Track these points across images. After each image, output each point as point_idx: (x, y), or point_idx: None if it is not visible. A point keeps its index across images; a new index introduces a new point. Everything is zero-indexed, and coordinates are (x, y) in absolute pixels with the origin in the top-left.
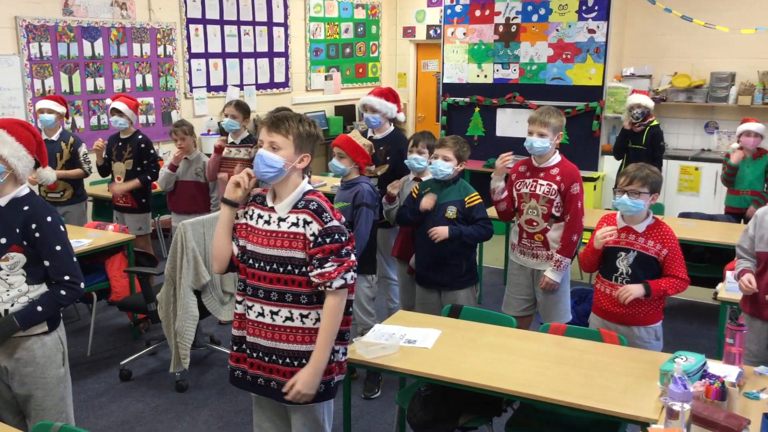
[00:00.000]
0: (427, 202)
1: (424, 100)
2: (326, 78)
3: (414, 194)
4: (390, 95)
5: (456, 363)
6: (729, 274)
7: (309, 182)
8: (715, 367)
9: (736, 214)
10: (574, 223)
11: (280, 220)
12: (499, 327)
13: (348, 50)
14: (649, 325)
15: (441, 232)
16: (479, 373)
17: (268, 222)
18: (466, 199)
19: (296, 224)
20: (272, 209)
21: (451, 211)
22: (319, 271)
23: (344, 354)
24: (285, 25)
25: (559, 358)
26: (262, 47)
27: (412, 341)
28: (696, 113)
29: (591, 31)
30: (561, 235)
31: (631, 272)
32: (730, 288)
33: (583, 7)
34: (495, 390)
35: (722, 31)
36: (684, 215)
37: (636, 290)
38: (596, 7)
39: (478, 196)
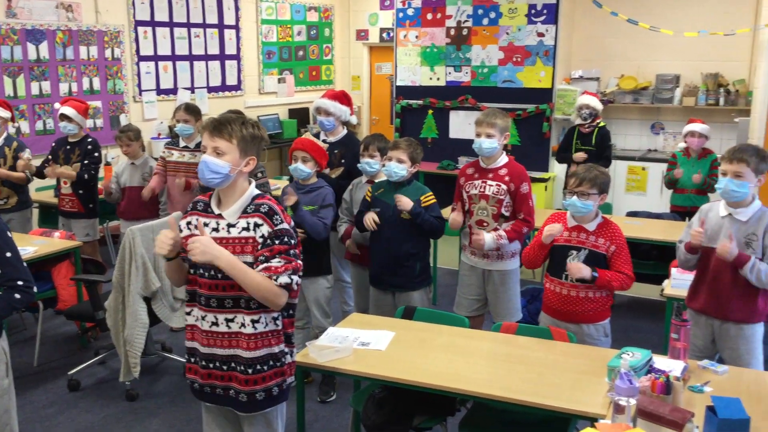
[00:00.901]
0: (371, 221)
1: (378, 102)
2: (279, 81)
3: (367, 198)
4: (343, 98)
5: (409, 364)
6: (674, 271)
7: (268, 185)
8: (661, 362)
9: (681, 212)
10: (527, 219)
11: (230, 226)
12: (452, 327)
13: (301, 53)
14: (597, 323)
15: (405, 201)
16: (432, 374)
17: (216, 229)
18: (421, 198)
19: (247, 228)
20: (219, 216)
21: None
22: (265, 265)
23: (292, 356)
24: (236, 27)
25: (511, 357)
26: (214, 50)
27: (365, 343)
28: (642, 114)
29: (540, 34)
30: (513, 223)
31: None
32: (676, 284)
33: (533, 11)
34: (448, 390)
35: (666, 34)
36: (631, 214)
37: (585, 270)
38: (545, 11)
39: (433, 196)
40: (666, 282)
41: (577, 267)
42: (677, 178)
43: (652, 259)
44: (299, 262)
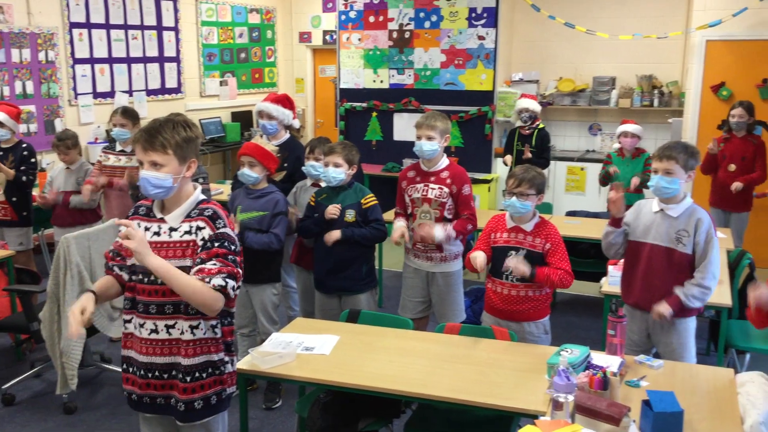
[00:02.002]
0: (333, 210)
1: (322, 105)
2: (221, 83)
3: (311, 203)
4: (286, 101)
5: (354, 368)
6: (611, 269)
7: (209, 189)
8: (599, 357)
9: None
10: (471, 217)
11: (172, 230)
12: (396, 330)
13: (243, 55)
14: (537, 320)
15: (333, 235)
16: (377, 377)
17: (158, 233)
18: (362, 200)
19: (189, 232)
20: (161, 220)
21: (350, 215)
22: (199, 266)
23: (233, 365)
24: (176, 29)
25: (454, 357)
26: (152, 52)
27: (309, 348)
28: (580, 116)
29: (481, 37)
30: (458, 220)
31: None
32: (613, 282)
33: (473, 15)
34: (393, 392)
35: (602, 37)
36: (570, 214)
37: (526, 267)
38: (485, 15)
39: (374, 198)
40: (604, 279)
41: (516, 264)
42: (611, 174)
43: (591, 257)
44: (238, 269)
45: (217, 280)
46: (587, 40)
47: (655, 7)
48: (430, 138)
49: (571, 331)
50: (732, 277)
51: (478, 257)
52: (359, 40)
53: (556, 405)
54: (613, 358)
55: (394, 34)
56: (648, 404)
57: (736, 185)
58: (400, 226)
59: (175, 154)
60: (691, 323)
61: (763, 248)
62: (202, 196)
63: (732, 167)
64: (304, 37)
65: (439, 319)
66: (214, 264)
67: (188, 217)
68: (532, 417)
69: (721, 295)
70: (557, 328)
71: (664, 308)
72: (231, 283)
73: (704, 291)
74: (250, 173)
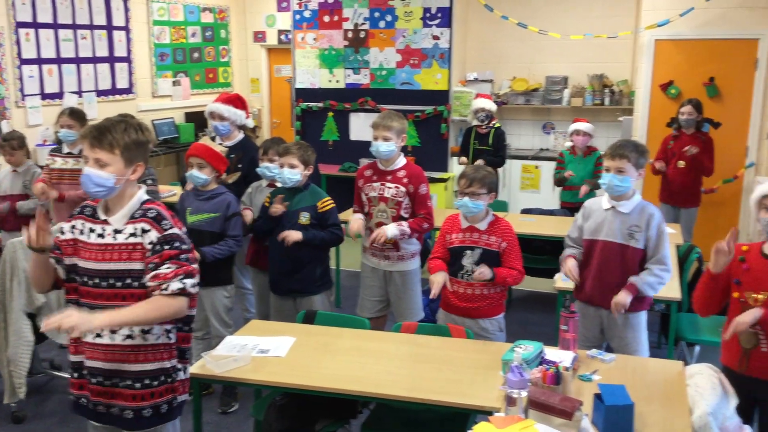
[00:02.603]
0: (276, 207)
1: (278, 105)
2: (174, 83)
3: (266, 204)
4: (237, 101)
5: (310, 370)
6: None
7: (157, 192)
8: (552, 353)
9: (570, 208)
10: (428, 216)
11: (116, 232)
12: (354, 330)
13: (196, 55)
14: (492, 318)
15: (293, 234)
16: (334, 378)
17: (101, 235)
18: (318, 204)
19: (134, 234)
20: (105, 222)
21: (304, 218)
22: (153, 273)
23: (185, 373)
24: (126, 28)
25: (411, 356)
26: (102, 52)
27: (264, 351)
28: (534, 115)
29: (435, 37)
30: (415, 218)
31: (477, 269)
32: (566, 278)
33: (427, 15)
34: (349, 393)
35: (554, 37)
36: (525, 211)
37: (487, 273)
38: (439, 15)
39: (331, 201)
40: (557, 275)
41: (482, 273)
42: (567, 178)
43: (546, 253)
44: (194, 266)
45: (175, 284)
46: (540, 40)
47: (605, 8)
48: (386, 138)
49: (526, 327)
50: (681, 272)
51: (438, 278)
52: (314, 39)
53: (510, 401)
54: (566, 353)
55: (350, 34)
56: (599, 398)
57: (689, 149)
58: (358, 218)
59: (122, 155)
60: (643, 317)
61: (711, 242)
62: (146, 197)
63: (681, 164)
64: (259, 36)
65: (397, 317)
66: (169, 267)
67: (132, 218)
68: (487, 413)
69: (671, 288)
70: (512, 324)
71: (622, 297)
72: (189, 281)
73: (659, 279)
74: (198, 175)
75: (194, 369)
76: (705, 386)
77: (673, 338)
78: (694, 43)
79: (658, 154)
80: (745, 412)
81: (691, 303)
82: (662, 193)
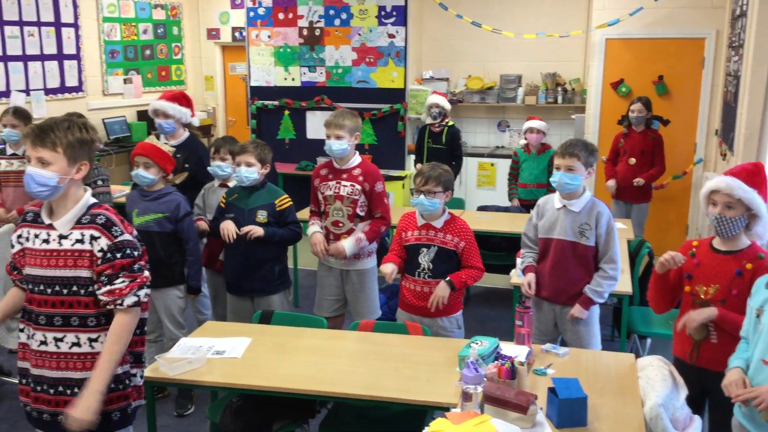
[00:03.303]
0: (257, 230)
1: (234, 103)
2: (125, 81)
3: (222, 204)
4: (183, 99)
5: (266, 370)
6: (519, 261)
7: (110, 192)
8: (508, 348)
9: (525, 205)
10: (385, 217)
11: (62, 237)
12: (311, 329)
13: (148, 52)
14: (450, 315)
15: (256, 230)
16: (290, 378)
17: (47, 241)
18: (276, 202)
19: (81, 241)
20: (50, 226)
21: (262, 216)
22: (108, 288)
23: (141, 377)
24: (75, 25)
25: (368, 355)
26: (50, 49)
27: (220, 352)
28: (489, 113)
29: (391, 35)
30: (371, 222)
31: (433, 267)
32: (521, 274)
33: (382, 13)
34: (307, 393)
35: (508, 36)
36: (482, 209)
37: (444, 291)
38: (394, 13)
39: (288, 199)
40: (513, 271)
41: (437, 297)
42: (518, 167)
43: (502, 250)
44: (145, 275)
45: (129, 299)
46: (494, 38)
47: (558, 7)
48: (339, 137)
49: (484, 323)
50: (632, 266)
51: (386, 268)
52: (269, 37)
53: (466, 396)
54: (521, 348)
55: (305, 32)
56: (553, 391)
57: (638, 181)
58: (315, 232)
59: (65, 153)
60: (595, 311)
61: (661, 237)
62: (93, 200)
63: (632, 161)
64: (213, 33)
65: (355, 316)
66: (123, 281)
67: (79, 223)
68: (444, 410)
69: (622, 283)
70: (471, 320)
71: (578, 312)
72: (142, 293)
73: (611, 282)
74: (145, 174)
75: (147, 372)
76: (656, 378)
77: (625, 331)
78: (644, 42)
79: (610, 153)
80: (695, 403)
81: (643, 297)
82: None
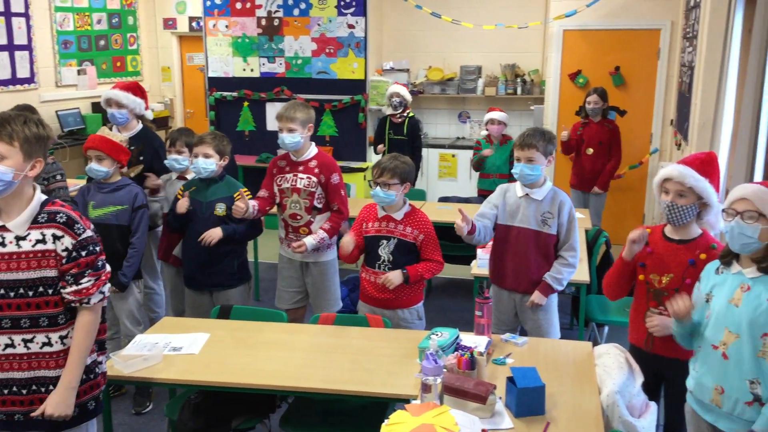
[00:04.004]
0: (181, 204)
1: (192, 95)
2: (79, 72)
3: (179, 196)
4: (137, 89)
5: (225, 366)
6: (480, 252)
7: (67, 187)
8: (468, 338)
9: (487, 195)
10: (342, 210)
11: (19, 239)
12: (271, 323)
13: (103, 42)
14: (411, 307)
15: (214, 234)
16: (250, 373)
17: (2, 244)
18: (234, 195)
19: (43, 241)
20: (3, 228)
21: (220, 209)
22: (75, 288)
23: (104, 363)
24: (26, 15)
25: (329, 348)
26: (0, 39)
27: (177, 348)
28: (450, 104)
29: (351, 26)
30: (329, 217)
31: (392, 259)
32: (482, 264)
33: (342, 3)
34: (267, 388)
35: (467, 27)
36: (443, 200)
37: (396, 278)
38: (354, 3)
39: (247, 192)
40: (474, 262)
41: (387, 279)
42: (485, 157)
43: (463, 241)
44: (107, 270)
45: (95, 298)
46: (454, 29)
47: None
48: (291, 130)
49: (446, 314)
50: (590, 255)
51: (344, 243)
52: (227, 27)
53: (425, 388)
54: (480, 338)
55: (263, 22)
56: (512, 381)
57: (597, 191)
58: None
59: (22, 148)
60: (553, 300)
61: (618, 226)
62: (44, 197)
63: (590, 151)
64: (169, 23)
65: (315, 309)
66: (89, 280)
67: (36, 223)
68: (405, 402)
69: (580, 272)
70: (432, 311)
71: (537, 298)
72: (106, 288)
73: (571, 270)
74: (99, 168)
75: None
76: (612, 366)
77: (583, 319)
78: (600, 34)
79: (560, 143)
80: (651, 390)
81: (601, 285)
82: (573, 179)
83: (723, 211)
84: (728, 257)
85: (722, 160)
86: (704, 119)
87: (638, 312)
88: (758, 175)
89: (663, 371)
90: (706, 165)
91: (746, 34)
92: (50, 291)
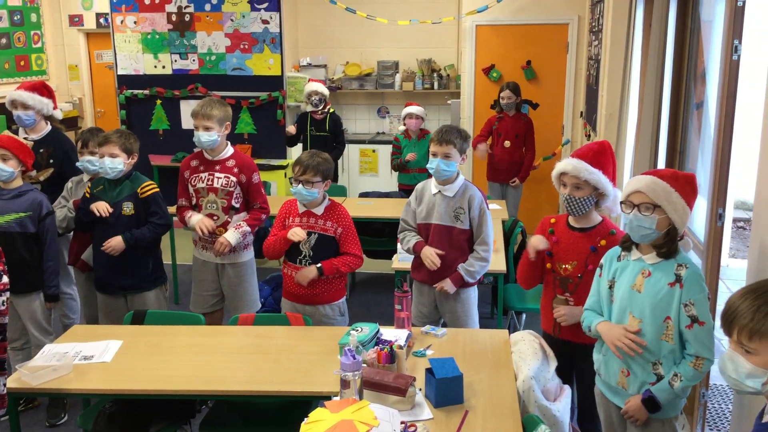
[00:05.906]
0: (102, 207)
1: (102, 93)
2: None
3: (87, 195)
4: (43, 89)
5: (139, 373)
6: (400, 246)
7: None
8: (388, 332)
9: (407, 190)
10: (263, 207)
11: None
12: (187, 327)
13: (4, 41)
14: (333, 303)
15: (116, 246)
16: (166, 379)
17: None
18: (138, 190)
19: None
20: None
21: (128, 208)
22: None
23: (5, 385)
24: None
25: (249, 349)
26: None
27: (88, 357)
28: (369, 99)
29: (265, 21)
30: (250, 213)
31: (313, 254)
32: (402, 258)
33: None
34: (184, 393)
35: (382, 22)
36: (364, 195)
37: (309, 273)
38: None
39: (153, 185)
40: (395, 256)
41: (301, 275)
42: (408, 161)
43: (385, 235)
44: (4, 281)
45: None
46: (370, 25)
47: None
48: (207, 128)
49: (369, 309)
50: (507, 245)
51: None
52: (135, 23)
53: (344, 384)
54: (400, 332)
55: (173, 17)
56: (431, 372)
57: (516, 183)
58: (197, 220)
59: None
60: (472, 293)
61: (534, 216)
62: None
63: (507, 143)
64: (75, 20)
65: (233, 311)
66: None
67: None
68: (326, 399)
69: (497, 262)
70: (356, 306)
71: (447, 285)
72: (1, 299)
73: (483, 264)
74: (3, 168)
75: (9, 382)
76: (527, 352)
77: (501, 308)
78: (512, 29)
79: (482, 131)
80: (564, 373)
81: (517, 276)
82: (490, 172)
83: (621, 203)
84: (628, 242)
85: (629, 149)
86: (611, 111)
87: (548, 299)
88: (661, 163)
89: (573, 355)
90: (599, 156)
91: (647, 28)
92: None
